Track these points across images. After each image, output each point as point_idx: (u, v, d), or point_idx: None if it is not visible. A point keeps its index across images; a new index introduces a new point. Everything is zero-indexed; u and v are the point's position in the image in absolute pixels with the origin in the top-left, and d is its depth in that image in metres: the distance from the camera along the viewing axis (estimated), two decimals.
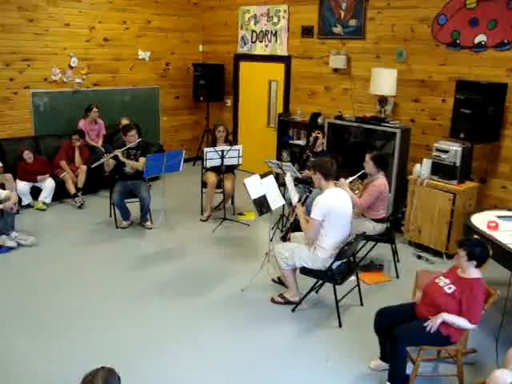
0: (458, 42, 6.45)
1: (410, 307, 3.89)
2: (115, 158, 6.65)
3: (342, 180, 5.40)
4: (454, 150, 5.94)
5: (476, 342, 4.31)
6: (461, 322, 3.53)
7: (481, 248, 3.61)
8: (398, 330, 3.60)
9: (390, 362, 3.75)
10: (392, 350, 3.67)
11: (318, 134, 6.75)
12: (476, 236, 4.44)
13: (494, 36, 6.12)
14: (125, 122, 8.28)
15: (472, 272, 3.60)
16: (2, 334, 4.40)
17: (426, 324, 3.56)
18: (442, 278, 3.79)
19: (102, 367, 2.40)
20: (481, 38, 6.23)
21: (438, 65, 6.72)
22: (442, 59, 6.66)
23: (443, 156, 6.03)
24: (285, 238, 5.83)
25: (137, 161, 6.73)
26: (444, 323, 3.55)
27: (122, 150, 6.66)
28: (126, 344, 4.30)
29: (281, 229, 6.75)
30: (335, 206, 4.54)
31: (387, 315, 3.88)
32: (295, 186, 5.75)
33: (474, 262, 3.57)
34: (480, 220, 4.97)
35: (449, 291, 3.63)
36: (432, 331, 3.53)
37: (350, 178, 5.63)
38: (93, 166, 7.21)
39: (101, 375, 2.33)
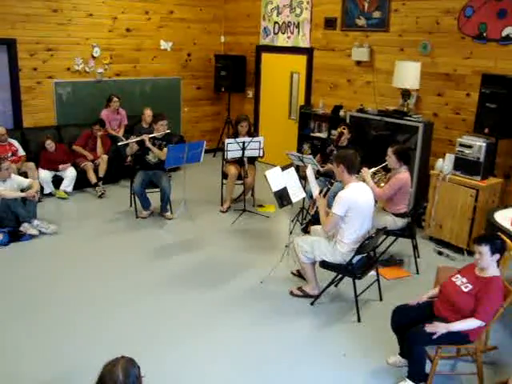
0: (484, 34, 6.33)
1: (427, 305, 3.84)
2: (141, 142, 6.67)
3: (365, 169, 5.36)
4: (478, 146, 5.84)
5: (497, 341, 4.25)
6: (467, 324, 3.47)
7: (499, 240, 3.56)
8: (415, 330, 3.56)
9: (408, 360, 3.72)
10: (409, 349, 3.65)
11: (344, 129, 6.70)
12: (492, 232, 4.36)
13: None
14: (148, 112, 8.32)
15: (492, 269, 3.54)
16: (22, 320, 4.46)
17: (427, 328, 3.49)
18: (458, 276, 3.73)
19: (122, 356, 2.41)
20: (509, 30, 6.09)
21: (463, 58, 6.60)
22: (468, 52, 6.54)
23: (467, 151, 5.93)
24: (305, 230, 5.81)
25: (161, 151, 6.75)
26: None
27: (150, 136, 6.69)
28: (143, 334, 4.33)
29: (301, 221, 6.73)
30: (357, 201, 4.49)
31: (404, 313, 3.85)
32: (316, 178, 5.72)
33: (498, 256, 3.50)
34: (503, 217, 4.90)
35: (466, 290, 3.57)
36: (434, 337, 3.49)
37: (373, 169, 5.59)
38: (119, 144, 7.20)
39: (121, 365, 2.34)
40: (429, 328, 3.49)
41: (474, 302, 3.50)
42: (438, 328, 3.48)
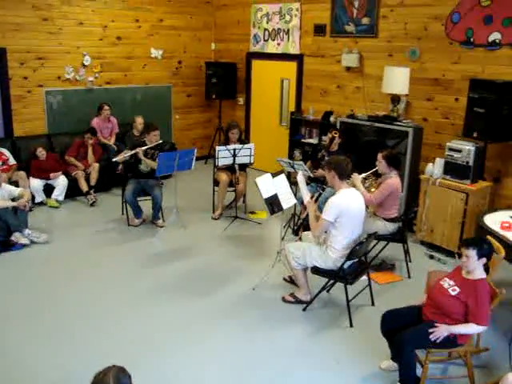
0: (471, 40, 6.39)
1: (416, 310, 3.86)
2: (135, 155, 6.67)
3: (355, 175, 5.38)
4: (467, 150, 5.89)
5: (488, 344, 4.27)
6: (469, 329, 3.51)
7: (487, 244, 3.59)
8: (404, 334, 3.57)
9: (398, 364, 3.73)
10: (399, 353, 3.66)
11: (335, 134, 6.71)
12: (487, 236, 4.39)
13: (509, 34, 6.03)
14: (139, 120, 8.32)
15: (478, 272, 3.56)
16: (14, 331, 4.44)
17: (430, 331, 3.51)
18: (446, 279, 3.74)
19: (113, 365, 2.41)
20: (495, 35, 6.16)
21: (451, 63, 6.66)
22: (456, 58, 6.60)
23: (456, 155, 5.98)
24: (297, 233, 5.81)
25: (154, 161, 6.73)
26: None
27: (143, 148, 6.69)
28: (137, 342, 4.32)
29: (292, 228, 6.74)
30: (348, 207, 4.51)
31: (393, 318, 3.86)
32: (307, 184, 5.73)
33: (484, 260, 3.53)
34: (493, 220, 4.93)
35: (453, 293, 3.59)
36: (437, 341, 3.51)
37: (364, 174, 5.62)
38: (114, 160, 7.07)
39: (112, 373, 2.34)
40: (432, 334, 3.49)
41: (461, 306, 3.52)
42: (440, 330, 3.50)
